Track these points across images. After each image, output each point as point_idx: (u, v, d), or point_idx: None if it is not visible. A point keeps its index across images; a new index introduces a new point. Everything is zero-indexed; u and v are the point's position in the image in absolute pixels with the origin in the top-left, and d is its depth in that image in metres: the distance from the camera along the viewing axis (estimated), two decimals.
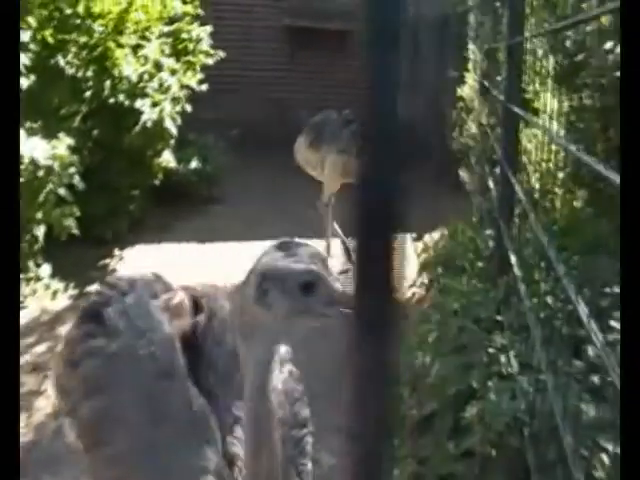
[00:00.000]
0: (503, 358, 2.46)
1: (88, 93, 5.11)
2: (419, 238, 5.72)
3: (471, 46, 6.51)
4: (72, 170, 4.44)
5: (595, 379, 1.99)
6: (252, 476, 1.42)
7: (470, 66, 6.24)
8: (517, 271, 2.58)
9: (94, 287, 4.80)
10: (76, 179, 4.49)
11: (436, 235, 4.36)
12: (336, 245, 5.50)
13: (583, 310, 1.52)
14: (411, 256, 4.66)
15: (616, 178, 1.31)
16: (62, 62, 4.95)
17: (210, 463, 1.56)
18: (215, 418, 1.63)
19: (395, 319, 0.56)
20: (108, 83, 5.16)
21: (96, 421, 1.72)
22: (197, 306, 1.89)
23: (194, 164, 6.50)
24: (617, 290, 2.27)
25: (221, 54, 6.47)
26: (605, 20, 2.60)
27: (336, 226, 5.40)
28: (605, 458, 1.65)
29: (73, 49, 5.02)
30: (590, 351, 2.00)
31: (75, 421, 1.80)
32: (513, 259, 2.72)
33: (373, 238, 0.54)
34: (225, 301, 1.93)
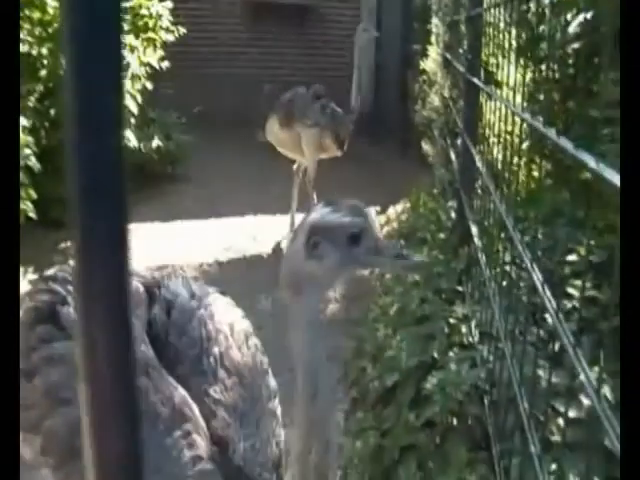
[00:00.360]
0: (464, 328, 2.48)
1: (44, 72, 4.98)
2: (383, 211, 5.74)
3: (434, 19, 6.49)
4: (27, 151, 4.34)
5: (551, 346, 2.01)
6: (303, 449, 1.41)
7: (433, 39, 6.23)
8: (478, 242, 2.59)
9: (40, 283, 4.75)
10: (32, 161, 4.40)
11: (399, 207, 4.37)
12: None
13: (538, 278, 1.53)
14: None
15: (568, 145, 1.31)
16: None
17: (202, 450, 1.54)
18: (195, 405, 1.61)
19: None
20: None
21: (69, 433, 1.54)
22: (151, 296, 1.85)
23: (156, 143, 6.40)
24: (573, 258, 2.30)
25: (182, 30, 6.36)
26: None
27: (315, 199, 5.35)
28: (560, 422, 1.67)
29: (27, 26, 4.89)
30: (548, 319, 2.02)
31: (38, 437, 1.62)
32: (474, 230, 2.73)
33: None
34: (181, 287, 1.90)
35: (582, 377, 1.16)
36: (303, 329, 1.38)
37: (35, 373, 1.64)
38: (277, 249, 4.87)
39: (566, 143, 1.31)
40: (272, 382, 1.91)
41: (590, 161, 1.15)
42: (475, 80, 3.16)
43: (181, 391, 1.62)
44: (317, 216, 1.37)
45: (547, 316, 2.09)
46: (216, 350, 1.74)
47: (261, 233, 5.42)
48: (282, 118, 5.16)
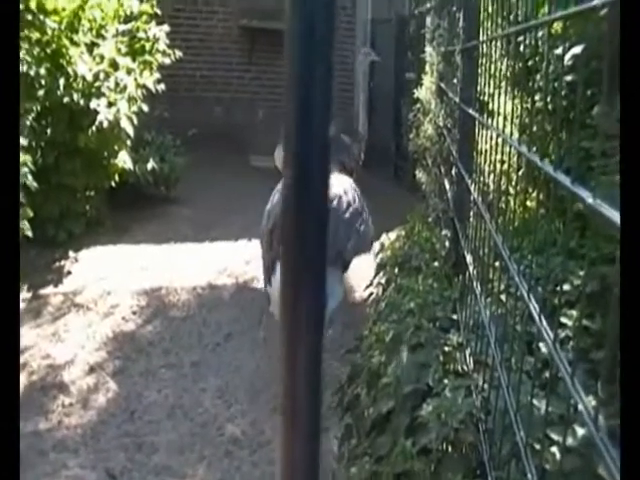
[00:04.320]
0: (459, 356, 2.49)
1: (41, 91, 5.02)
2: (376, 238, 5.76)
3: (428, 48, 6.56)
4: (24, 170, 4.36)
5: (546, 374, 2.03)
6: None
7: (427, 68, 6.30)
8: (472, 270, 2.62)
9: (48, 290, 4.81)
10: (29, 179, 4.42)
11: (393, 235, 4.40)
12: None
13: (535, 308, 1.55)
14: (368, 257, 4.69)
15: (565, 180, 1.34)
16: None
17: None
18: None
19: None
20: (62, 81, 5.08)
21: None
22: None
23: (151, 165, 6.43)
24: (567, 288, 2.33)
25: (178, 54, 6.42)
26: (557, 26, 2.65)
27: None
28: (556, 450, 1.69)
29: (25, 46, 4.93)
30: (542, 347, 2.04)
31: None
32: (469, 259, 2.75)
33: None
34: None
35: (580, 407, 1.18)
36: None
37: None
38: None
39: (563, 177, 1.34)
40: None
41: (588, 198, 1.18)
42: (470, 110, 3.21)
43: None
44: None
45: (542, 345, 2.13)
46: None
47: (255, 257, 5.43)
48: None
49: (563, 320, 2.17)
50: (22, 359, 3.94)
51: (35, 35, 4.99)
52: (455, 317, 2.86)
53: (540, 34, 3.13)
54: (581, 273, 2.44)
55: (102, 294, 4.82)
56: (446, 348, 2.53)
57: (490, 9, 3.00)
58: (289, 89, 0.50)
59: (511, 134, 2.16)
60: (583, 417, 1.18)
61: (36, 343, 4.12)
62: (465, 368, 2.43)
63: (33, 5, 4.92)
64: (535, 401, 1.70)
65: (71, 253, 5.45)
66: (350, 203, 3.29)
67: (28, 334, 4.22)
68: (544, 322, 1.50)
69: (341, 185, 3.39)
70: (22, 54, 4.91)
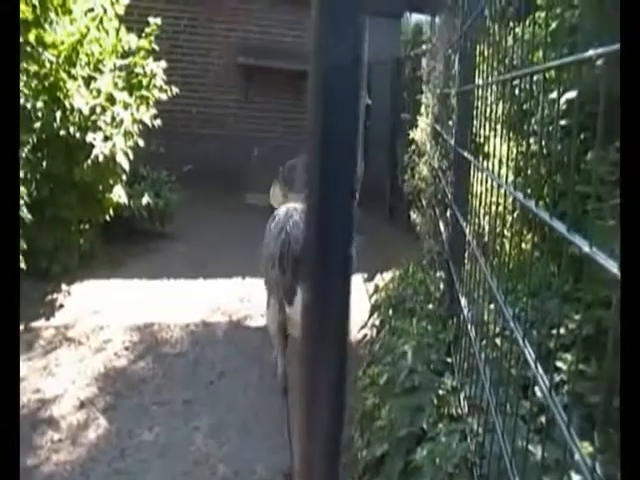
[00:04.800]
0: (453, 400, 2.48)
1: (38, 124, 5.04)
2: (370, 279, 5.76)
3: (423, 90, 6.64)
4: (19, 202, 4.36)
5: (542, 419, 2.02)
6: None
7: (422, 110, 6.37)
8: (467, 313, 2.62)
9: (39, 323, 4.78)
10: (23, 212, 4.41)
11: (387, 276, 4.41)
12: None
13: (529, 352, 1.56)
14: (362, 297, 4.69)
15: (559, 226, 1.35)
16: None
17: None
18: None
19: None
20: (59, 114, 5.10)
21: None
22: None
23: (146, 200, 6.44)
24: (562, 331, 2.33)
25: (175, 90, 6.47)
26: (551, 71, 2.70)
27: None
28: None
29: (23, 78, 4.97)
30: (537, 392, 2.03)
31: None
32: (463, 301, 2.76)
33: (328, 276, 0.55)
34: None
35: (577, 456, 1.18)
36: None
37: None
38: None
39: (559, 225, 1.35)
40: None
41: (584, 246, 1.19)
42: (465, 153, 3.24)
43: None
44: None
45: (537, 389, 2.12)
46: None
47: (249, 295, 5.42)
48: (285, 185, 5.16)
49: (558, 364, 2.17)
50: None
51: (33, 68, 5.02)
52: (449, 360, 2.86)
53: (535, 78, 3.19)
54: (576, 317, 2.44)
55: (94, 329, 4.79)
56: (440, 391, 2.52)
57: (486, 53, 3.05)
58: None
59: (506, 177, 2.18)
60: (579, 465, 1.18)
61: (26, 377, 4.08)
62: (459, 412, 2.42)
63: (32, 38, 4.96)
64: (530, 446, 1.70)
65: (64, 286, 5.43)
66: None
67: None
68: (539, 368, 1.50)
69: None
70: (20, 86, 4.94)
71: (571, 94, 2.69)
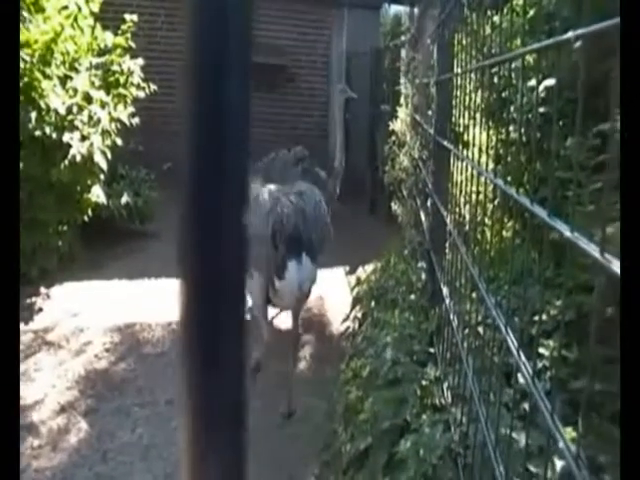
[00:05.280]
0: (436, 390, 2.45)
1: None
2: (352, 271, 5.74)
3: (403, 80, 6.62)
4: None
5: (525, 406, 1.99)
6: None
7: (402, 100, 6.35)
8: (449, 303, 2.59)
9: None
10: None
11: (369, 268, 4.37)
12: None
13: (512, 341, 1.53)
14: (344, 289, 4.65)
15: (540, 212, 1.32)
16: None
17: None
18: None
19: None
20: (34, 115, 5.02)
21: None
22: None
23: (125, 199, 6.37)
24: (544, 318, 2.31)
25: (153, 87, 6.40)
26: (530, 58, 2.68)
27: None
28: None
29: None
30: (520, 379, 2.01)
31: None
32: (445, 291, 2.73)
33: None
34: None
35: (560, 443, 1.15)
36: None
37: None
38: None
39: (539, 210, 1.32)
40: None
41: (565, 231, 1.16)
42: (445, 142, 3.21)
43: None
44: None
45: (519, 376, 2.10)
46: None
47: None
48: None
49: (540, 350, 2.15)
50: None
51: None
52: (432, 350, 2.83)
53: (513, 66, 3.16)
54: (558, 303, 2.42)
55: (74, 331, 4.72)
56: (423, 382, 2.49)
57: (464, 42, 3.02)
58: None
59: (486, 165, 2.15)
60: (563, 451, 1.15)
61: None
62: (443, 402, 2.39)
63: None
64: (514, 434, 1.67)
65: (43, 289, 5.35)
66: (317, 203, 3.82)
67: None
68: (522, 355, 1.47)
69: (311, 190, 3.94)
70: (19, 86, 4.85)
71: (550, 81, 2.66)
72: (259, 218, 3.53)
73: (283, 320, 4.95)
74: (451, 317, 2.47)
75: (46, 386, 4.02)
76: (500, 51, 1.92)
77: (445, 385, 2.45)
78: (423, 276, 3.53)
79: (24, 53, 4.96)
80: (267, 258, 3.47)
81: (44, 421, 3.67)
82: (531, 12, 3.03)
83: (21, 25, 5.04)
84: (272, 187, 3.83)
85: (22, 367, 4.22)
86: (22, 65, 4.97)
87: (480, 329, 2.19)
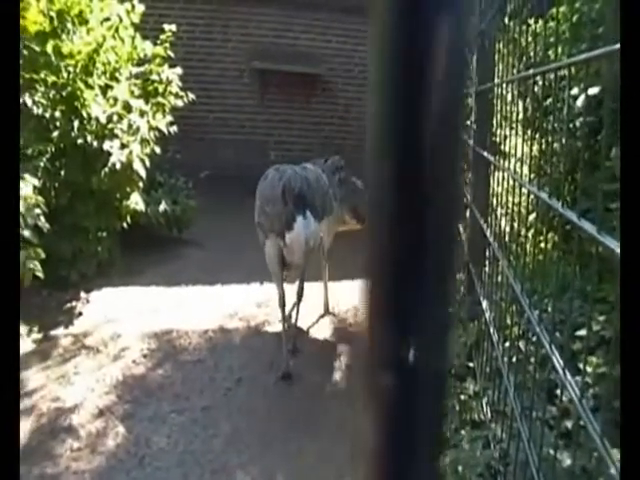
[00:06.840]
0: (475, 405, 2.42)
1: (56, 133, 5.05)
2: None
3: None
4: (37, 211, 4.35)
5: (568, 424, 1.96)
6: None
7: None
8: (489, 316, 2.56)
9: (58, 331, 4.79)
10: (41, 220, 4.40)
11: None
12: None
13: (557, 359, 1.50)
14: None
15: (589, 227, 1.30)
16: (29, 101, 4.90)
17: None
18: None
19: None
20: (76, 124, 5.11)
21: None
22: None
23: (162, 207, 6.42)
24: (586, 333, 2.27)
25: (191, 96, 6.46)
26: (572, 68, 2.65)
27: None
28: None
29: (41, 88, 4.98)
30: (563, 396, 1.98)
31: None
32: (484, 304, 2.70)
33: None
34: None
35: (612, 470, 1.13)
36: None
37: None
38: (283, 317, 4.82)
39: (588, 225, 1.30)
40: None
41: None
42: (484, 153, 3.19)
43: None
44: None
45: (561, 392, 2.06)
46: None
47: (266, 301, 5.38)
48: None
49: (582, 366, 2.11)
50: (31, 401, 3.88)
51: (51, 78, 5.04)
52: (471, 364, 2.80)
53: (552, 76, 3.13)
54: (601, 318, 2.38)
55: (112, 336, 4.77)
56: (462, 397, 2.46)
57: (505, 51, 3.00)
58: None
59: (529, 177, 2.13)
60: (609, 471, 1.13)
61: (45, 385, 4.06)
62: (482, 417, 2.36)
63: (49, 49, 4.98)
64: (557, 454, 1.64)
65: (82, 294, 5.42)
66: (319, 176, 4.43)
67: (37, 376, 4.17)
68: (568, 374, 1.45)
69: (315, 168, 4.58)
70: (38, 97, 4.96)
71: (593, 90, 2.63)
72: (271, 184, 4.18)
73: (320, 331, 4.95)
74: (491, 331, 2.44)
75: (85, 389, 4.06)
76: (543, 60, 1.90)
77: (484, 400, 2.42)
78: (462, 288, 3.50)
79: (67, 64, 5.06)
80: (279, 215, 4.05)
81: (83, 424, 3.71)
82: (574, 19, 3.00)
83: (65, 37, 5.14)
84: (280, 165, 4.40)
85: (62, 370, 4.27)
86: (65, 75, 5.07)
87: (521, 344, 2.17)
